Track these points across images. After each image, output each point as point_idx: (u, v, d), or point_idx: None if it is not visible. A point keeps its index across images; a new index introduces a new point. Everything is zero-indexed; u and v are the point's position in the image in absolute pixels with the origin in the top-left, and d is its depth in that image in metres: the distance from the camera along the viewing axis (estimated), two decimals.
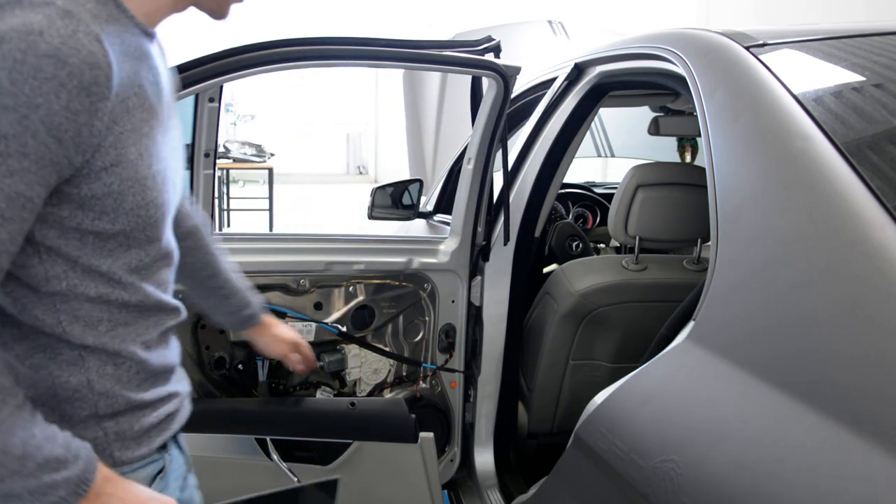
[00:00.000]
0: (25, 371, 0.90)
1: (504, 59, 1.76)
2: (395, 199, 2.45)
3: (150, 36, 0.92)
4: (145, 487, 0.93)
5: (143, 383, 0.97)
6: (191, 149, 1.78)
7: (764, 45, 1.22)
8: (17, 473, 0.78)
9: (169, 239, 0.99)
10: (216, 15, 1.00)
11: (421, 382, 2.09)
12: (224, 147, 7.27)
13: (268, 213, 7.39)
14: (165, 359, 1.02)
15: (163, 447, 1.03)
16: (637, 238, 1.83)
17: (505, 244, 2.03)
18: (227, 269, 1.34)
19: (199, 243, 1.27)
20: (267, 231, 6.48)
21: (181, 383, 1.08)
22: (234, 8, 1.00)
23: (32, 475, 0.79)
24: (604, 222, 3.02)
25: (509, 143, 2.04)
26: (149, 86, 0.88)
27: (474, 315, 2.09)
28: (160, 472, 1.03)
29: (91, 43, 0.77)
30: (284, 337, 1.46)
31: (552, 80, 2.07)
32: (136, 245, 0.91)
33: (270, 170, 7.49)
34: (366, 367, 1.99)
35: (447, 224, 2.15)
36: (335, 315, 1.95)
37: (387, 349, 2.04)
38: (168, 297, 1.00)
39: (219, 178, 6.95)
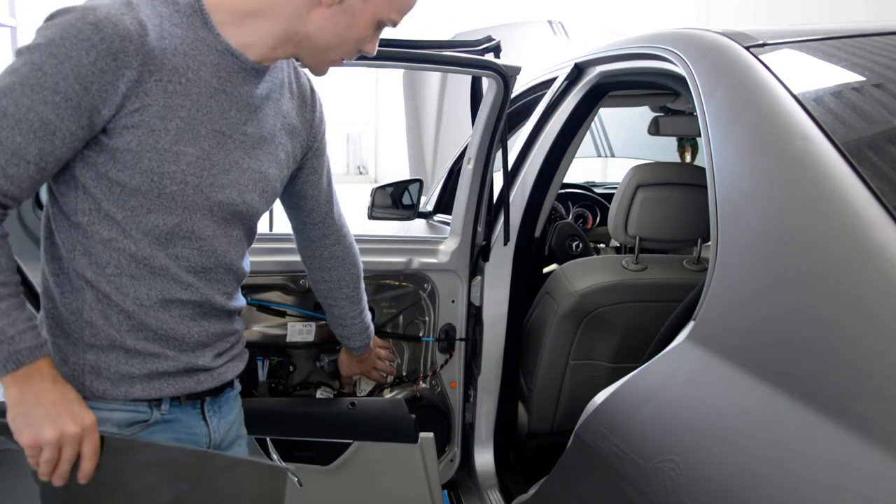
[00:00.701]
0: (52, 283, 1.09)
1: (504, 59, 1.76)
2: (395, 199, 2.45)
3: (239, 60, 1.08)
4: (72, 395, 1.02)
5: (132, 332, 1.09)
6: None
7: (764, 45, 1.22)
8: None
9: (206, 227, 1.11)
10: (315, 72, 1.17)
11: (421, 382, 2.09)
12: None
13: (268, 212, 7.38)
14: (167, 324, 1.12)
15: (156, 402, 1.14)
16: (637, 238, 1.83)
17: (505, 244, 2.03)
18: (357, 295, 1.55)
19: (335, 266, 1.49)
20: (267, 231, 6.46)
21: (196, 357, 1.17)
22: (332, 70, 1.16)
23: None
24: (604, 222, 3.02)
25: (509, 143, 2.04)
26: (206, 89, 1.05)
27: (474, 315, 2.09)
28: (142, 423, 1.13)
29: (132, 23, 0.96)
30: (364, 365, 1.75)
31: (552, 80, 2.06)
32: (155, 210, 1.05)
33: None
34: None
35: (447, 224, 2.15)
36: None
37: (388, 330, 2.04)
38: (186, 275, 1.11)
39: None
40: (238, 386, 1.34)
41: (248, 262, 1.26)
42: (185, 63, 1.03)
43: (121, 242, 1.06)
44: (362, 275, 1.55)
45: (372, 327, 1.65)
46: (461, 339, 2.10)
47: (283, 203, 1.41)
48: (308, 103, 1.28)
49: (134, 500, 1.09)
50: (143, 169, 1.02)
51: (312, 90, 1.30)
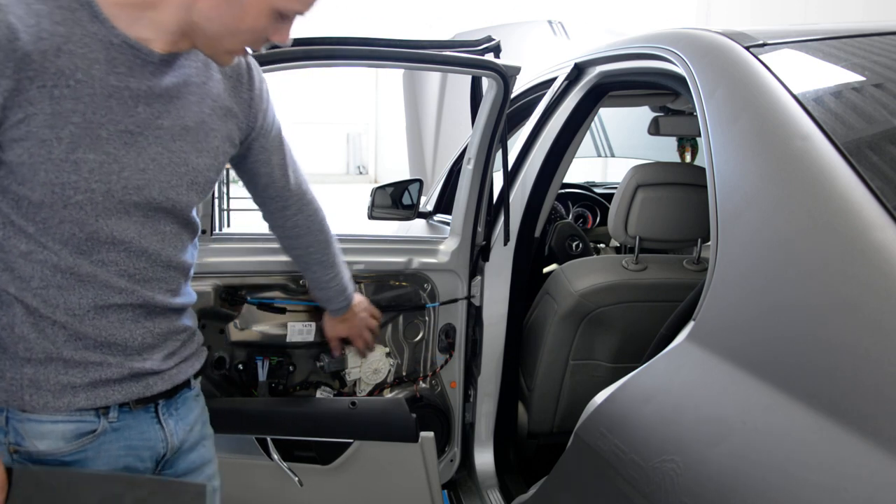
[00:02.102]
0: None
1: (504, 59, 1.76)
2: (395, 199, 2.45)
3: (140, 52, 1.01)
4: None
5: (69, 342, 1.04)
6: None
7: (764, 45, 1.22)
8: None
9: (126, 229, 1.05)
10: (216, 61, 1.10)
11: (421, 382, 2.09)
12: None
13: None
14: (106, 331, 1.07)
15: (104, 410, 1.09)
16: (637, 238, 1.83)
17: (505, 244, 2.03)
18: (331, 258, 1.54)
19: (303, 232, 1.47)
20: (267, 231, 6.46)
21: (143, 361, 1.11)
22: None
23: None
24: (604, 222, 3.02)
25: (509, 143, 2.04)
26: (103, 87, 0.98)
27: (474, 315, 2.09)
28: (90, 433, 1.08)
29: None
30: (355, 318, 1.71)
31: (552, 80, 2.06)
32: (67, 220, 1.00)
33: None
34: (366, 366, 1.99)
35: (447, 224, 2.15)
36: None
37: (386, 348, 2.04)
38: (117, 279, 1.06)
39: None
40: (196, 387, 1.28)
41: (192, 254, 1.20)
42: (72, 63, 0.95)
43: (40, 254, 1.01)
44: (333, 239, 1.54)
45: (351, 288, 1.63)
46: (465, 298, 2.07)
47: (241, 179, 1.37)
48: (244, 82, 1.21)
49: None
50: (42, 181, 0.96)
51: (249, 67, 1.22)
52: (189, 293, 1.21)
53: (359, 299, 1.71)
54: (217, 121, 1.15)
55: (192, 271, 1.20)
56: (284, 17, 1.05)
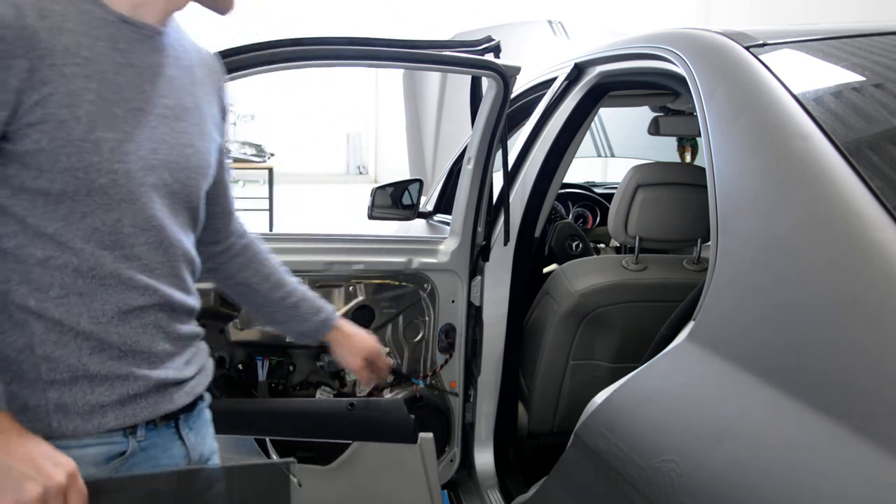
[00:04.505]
0: None
1: (504, 59, 1.76)
2: (395, 199, 2.45)
3: (135, 26, 0.98)
4: (45, 445, 0.90)
5: (94, 354, 0.97)
6: None
7: (764, 45, 1.22)
8: None
9: (151, 217, 1.00)
10: (219, 9, 1.06)
11: (421, 382, 2.09)
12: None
13: (268, 213, 7.39)
14: (130, 338, 1.00)
15: (131, 430, 1.03)
16: (637, 238, 1.83)
17: (505, 244, 2.03)
18: (290, 279, 1.35)
19: (254, 256, 1.32)
20: (267, 231, 6.47)
21: (171, 370, 1.06)
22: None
23: None
24: (604, 222, 3.02)
25: (509, 143, 2.04)
26: (111, 65, 0.95)
27: (474, 315, 2.09)
28: (120, 455, 1.02)
29: (4, 7, 0.85)
30: (361, 348, 1.45)
31: (552, 80, 2.06)
32: (90, 212, 0.94)
33: (270, 170, 7.47)
34: None
35: (447, 224, 2.15)
36: None
37: (386, 348, 2.04)
38: (141, 276, 1.00)
39: None
40: (208, 397, 1.23)
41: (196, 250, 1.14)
42: (76, 41, 0.91)
43: (60, 259, 0.94)
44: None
45: (319, 298, 1.40)
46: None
47: None
48: (217, 75, 1.17)
49: None
50: (63, 168, 0.91)
51: (217, 62, 1.19)
52: (196, 294, 1.15)
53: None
54: (206, 106, 1.12)
55: (199, 273, 1.16)
56: None
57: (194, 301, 1.13)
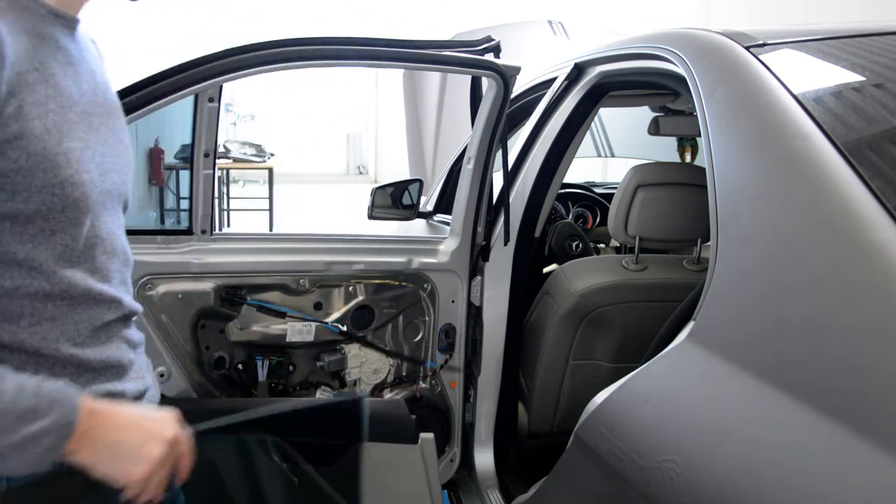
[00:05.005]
0: None
1: (504, 59, 1.76)
2: (395, 199, 2.45)
3: (65, 19, 0.92)
4: (136, 407, 0.89)
5: (75, 379, 0.91)
6: (191, 149, 1.78)
7: (764, 45, 1.22)
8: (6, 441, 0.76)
9: (105, 224, 0.95)
10: None
11: (421, 382, 2.09)
12: (224, 147, 7.27)
13: (268, 213, 7.40)
14: (104, 354, 0.95)
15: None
16: (637, 238, 1.83)
17: (505, 244, 2.03)
18: None
19: None
20: (267, 231, 6.47)
21: (137, 380, 1.01)
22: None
23: (12, 430, 0.76)
24: (604, 222, 3.02)
25: (509, 143, 2.04)
26: (57, 66, 0.88)
27: (474, 315, 2.09)
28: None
29: None
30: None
31: (552, 80, 2.07)
32: (60, 229, 0.87)
33: (270, 170, 7.49)
34: (365, 367, 1.99)
35: (447, 224, 2.15)
36: (335, 315, 1.95)
37: (386, 348, 2.04)
38: (106, 288, 0.95)
39: (219, 178, 6.95)
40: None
41: None
42: (29, 43, 0.84)
43: (30, 286, 0.86)
44: None
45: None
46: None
47: None
48: (101, 55, 1.08)
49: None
50: (40, 186, 0.83)
51: (92, 38, 1.09)
52: None
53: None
54: (117, 99, 1.05)
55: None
56: None
57: (138, 306, 1.07)
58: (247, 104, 8.42)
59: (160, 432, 0.87)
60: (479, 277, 2.06)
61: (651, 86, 1.67)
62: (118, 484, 0.85)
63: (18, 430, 0.76)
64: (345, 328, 1.94)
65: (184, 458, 0.92)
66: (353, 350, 1.99)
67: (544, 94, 2.07)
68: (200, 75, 1.54)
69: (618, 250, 2.83)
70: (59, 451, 0.80)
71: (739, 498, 0.80)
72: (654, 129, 2.25)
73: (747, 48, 1.21)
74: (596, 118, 3.09)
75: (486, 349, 2.08)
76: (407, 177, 2.78)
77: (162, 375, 1.75)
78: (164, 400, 1.18)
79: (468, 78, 1.88)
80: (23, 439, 0.77)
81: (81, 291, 0.92)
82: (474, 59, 1.72)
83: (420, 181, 2.51)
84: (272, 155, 7.66)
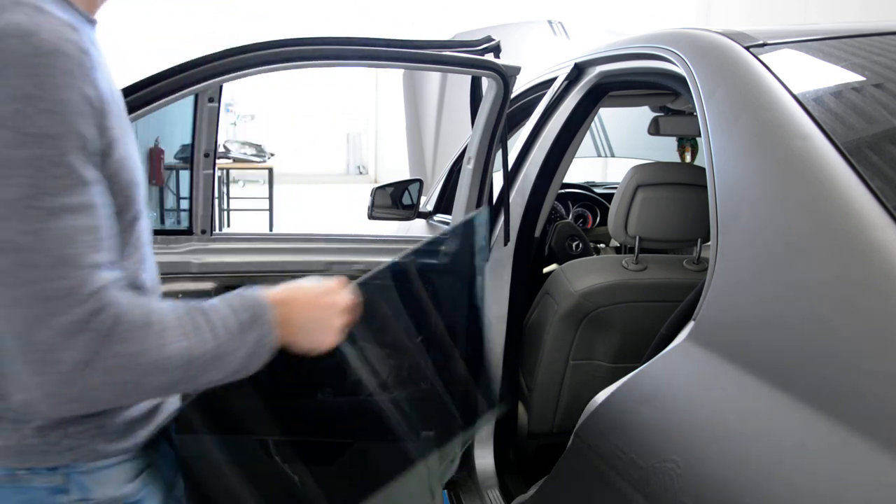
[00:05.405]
0: None
1: (504, 59, 1.76)
2: (395, 199, 2.45)
3: (93, 23, 0.93)
4: (308, 284, 0.99)
5: None
6: (191, 149, 1.78)
7: (764, 45, 1.22)
8: (235, 351, 0.87)
9: (145, 219, 0.98)
10: None
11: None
12: (224, 147, 7.27)
13: (268, 213, 7.40)
14: None
15: (150, 445, 1.00)
16: (637, 238, 1.83)
17: (505, 244, 2.03)
18: None
19: None
20: (267, 231, 6.47)
21: None
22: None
23: (243, 344, 0.87)
24: (604, 222, 3.02)
25: (509, 143, 2.03)
26: (108, 70, 0.90)
27: None
28: (147, 468, 1.01)
29: (72, 32, 0.79)
30: None
31: (552, 80, 2.06)
32: (123, 228, 0.91)
33: (270, 170, 7.49)
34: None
35: (447, 224, 2.15)
36: None
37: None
38: (145, 277, 0.98)
39: (219, 178, 6.95)
40: None
41: None
42: (93, 47, 0.86)
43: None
44: None
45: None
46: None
47: None
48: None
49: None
50: (118, 189, 0.87)
51: None
52: None
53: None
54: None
55: None
56: None
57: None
58: (247, 104, 8.43)
59: (336, 304, 1.00)
60: (479, 277, 2.06)
61: (651, 86, 1.67)
62: (313, 353, 0.99)
63: (247, 341, 0.88)
64: None
65: (354, 312, 1.04)
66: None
67: (544, 94, 2.07)
68: (200, 75, 1.54)
69: (618, 250, 2.82)
70: (274, 342, 0.92)
71: (739, 498, 0.80)
72: (654, 129, 2.25)
73: (747, 48, 1.21)
74: (596, 118, 3.09)
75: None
76: (407, 177, 2.78)
77: None
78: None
79: (468, 78, 1.88)
80: (254, 345, 0.89)
81: (132, 283, 0.95)
82: (474, 59, 1.72)
83: (420, 181, 2.51)
84: (272, 155, 7.66)
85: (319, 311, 0.98)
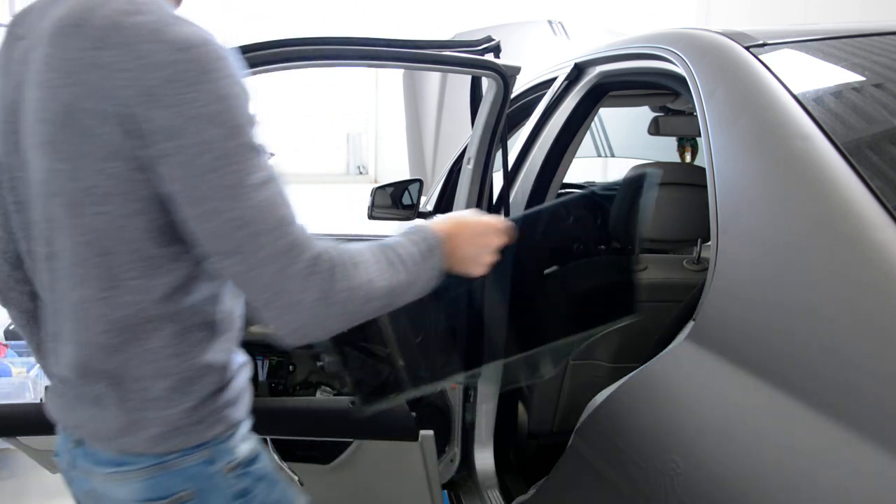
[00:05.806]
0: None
1: (504, 59, 1.76)
2: (395, 199, 2.44)
3: None
4: (468, 218, 1.11)
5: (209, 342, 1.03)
6: None
7: (764, 45, 1.23)
8: (419, 278, 1.00)
9: None
10: None
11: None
12: None
13: None
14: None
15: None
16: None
17: None
18: None
19: None
20: None
21: None
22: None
23: (425, 269, 1.01)
24: None
25: (509, 143, 2.03)
26: None
27: None
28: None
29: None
30: None
31: (552, 80, 2.06)
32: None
33: None
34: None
35: None
36: None
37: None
38: None
39: None
40: None
41: None
42: None
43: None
44: None
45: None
46: None
47: None
48: None
49: None
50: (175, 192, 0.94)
51: None
52: None
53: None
54: None
55: None
56: None
57: None
58: None
59: (492, 243, 1.11)
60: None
61: (651, 86, 1.67)
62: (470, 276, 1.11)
63: (427, 269, 1.01)
64: None
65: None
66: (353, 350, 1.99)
67: (544, 94, 2.07)
68: None
69: None
70: (444, 269, 1.04)
71: (739, 498, 0.80)
72: (654, 129, 2.25)
73: (747, 48, 1.21)
74: (596, 118, 3.08)
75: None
76: (407, 177, 2.78)
77: None
78: None
79: (468, 78, 1.88)
80: (431, 270, 1.02)
81: None
82: (474, 59, 1.72)
83: (420, 181, 2.51)
84: (272, 155, 7.65)
85: (477, 248, 1.10)
